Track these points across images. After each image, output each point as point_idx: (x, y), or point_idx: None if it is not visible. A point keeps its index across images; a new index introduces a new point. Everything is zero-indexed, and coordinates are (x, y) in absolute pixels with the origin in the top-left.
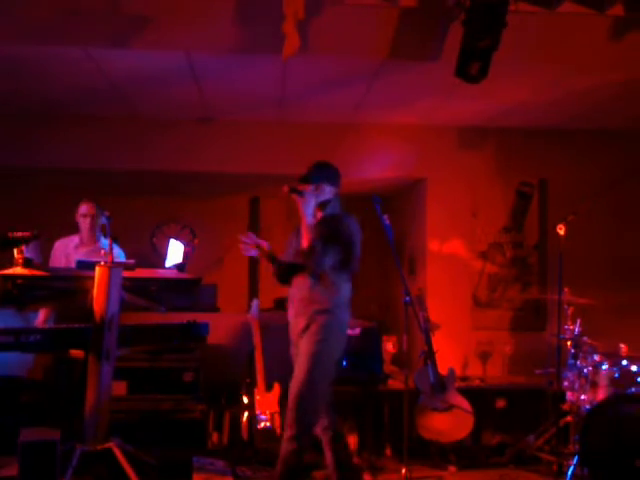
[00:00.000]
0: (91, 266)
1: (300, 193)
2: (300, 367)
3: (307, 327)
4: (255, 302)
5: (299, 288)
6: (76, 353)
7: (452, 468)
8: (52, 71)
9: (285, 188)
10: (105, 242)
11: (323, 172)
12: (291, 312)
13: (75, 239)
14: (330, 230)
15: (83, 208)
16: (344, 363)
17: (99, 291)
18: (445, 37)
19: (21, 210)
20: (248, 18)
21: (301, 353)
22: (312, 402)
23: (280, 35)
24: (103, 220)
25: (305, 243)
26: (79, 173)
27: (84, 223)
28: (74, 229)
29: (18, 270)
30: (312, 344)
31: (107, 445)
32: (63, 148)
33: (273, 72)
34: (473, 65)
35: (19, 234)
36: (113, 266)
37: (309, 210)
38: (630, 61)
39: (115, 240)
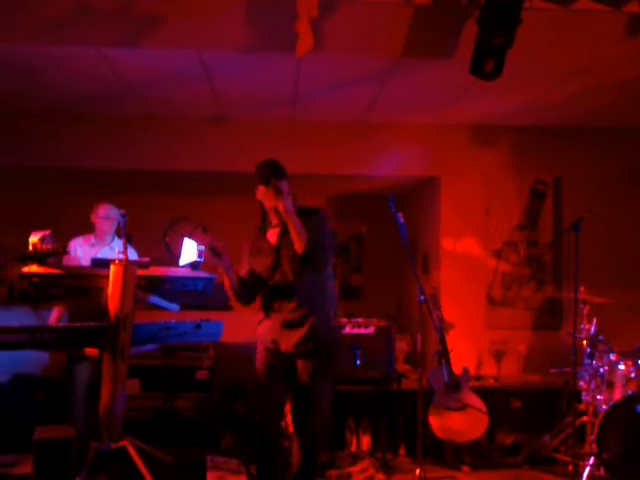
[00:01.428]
0: (106, 264)
1: (280, 191)
2: (319, 393)
3: (309, 341)
4: None
5: (287, 294)
6: (91, 351)
7: (466, 468)
8: (65, 70)
9: (262, 188)
10: (119, 242)
11: (279, 169)
12: (277, 319)
13: (90, 238)
14: (315, 226)
15: (103, 211)
16: (357, 362)
17: (114, 289)
18: (460, 34)
19: (33, 211)
20: (261, 16)
21: (313, 374)
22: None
23: (293, 33)
24: (119, 218)
25: (298, 244)
26: (92, 172)
27: (105, 225)
28: (90, 228)
29: (34, 268)
30: (324, 365)
31: (121, 443)
32: (76, 148)
33: (286, 71)
34: (488, 62)
35: (48, 248)
36: (128, 264)
37: (292, 207)
38: None
39: (129, 239)
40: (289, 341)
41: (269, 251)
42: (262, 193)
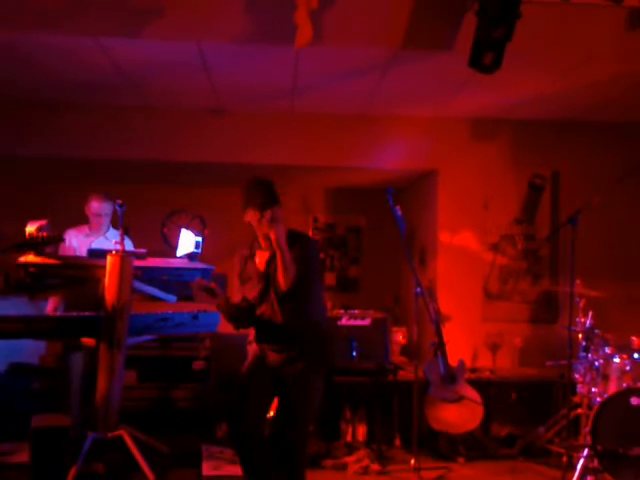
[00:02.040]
0: (103, 255)
1: (275, 220)
2: (301, 415)
3: (298, 360)
4: None
5: (274, 327)
6: (87, 341)
7: (461, 459)
8: (64, 60)
9: (253, 212)
10: (113, 232)
11: (275, 194)
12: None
13: (85, 229)
14: (306, 252)
15: (95, 207)
16: (353, 354)
17: (111, 280)
18: (459, 27)
19: (31, 200)
20: (260, 7)
21: (295, 395)
22: None
23: (292, 25)
24: (116, 208)
25: (284, 279)
26: (90, 163)
27: (97, 221)
28: (85, 219)
29: (30, 258)
30: (310, 388)
31: (118, 432)
32: (72, 137)
33: (285, 62)
34: (487, 55)
35: (43, 235)
36: (125, 255)
37: (284, 239)
38: None
39: (126, 230)
40: (277, 361)
41: (258, 278)
42: (253, 217)
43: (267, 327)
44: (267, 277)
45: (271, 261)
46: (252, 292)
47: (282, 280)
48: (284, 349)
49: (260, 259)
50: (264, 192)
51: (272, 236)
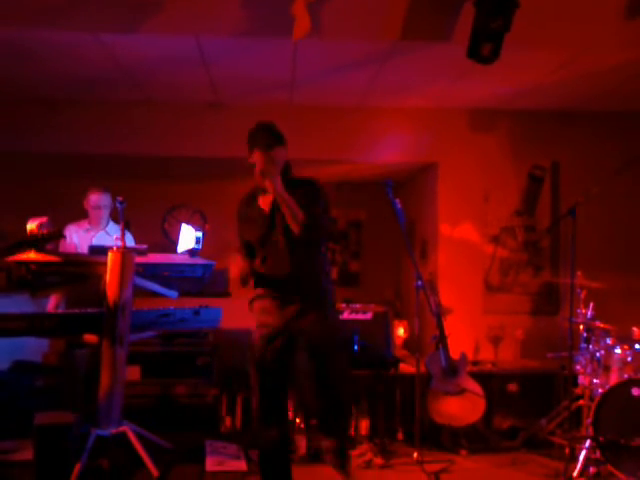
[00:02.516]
0: (104, 251)
1: (274, 162)
2: (336, 364)
3: (311, 312)
4: None
5: (280, 266)
6: (90, 338)
7: (463, 452)
8: (62, 55)
9: (259, 153)
10: (113, 227)
11: (280, 134)
12: (271, 294)
13: (84, 224)
14: (311, 195)
15: (94, 199)
16: (355, 348)
17: (112, 276)
18: (457, 18)
19: (31, 197)
20: (257, 0)
21: (323, 348)
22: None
23: (290, 17)
24: (117, 205)
25: (294, 225)
26: (90, 158)
27: (96, 214)
28: (85, 214)
29: (31, 255)
30: (334, 336)
31: (121, 429)
32: (72, 133)
33: (283, 55)
34: (485, 46)
35: (44, 233)
36: (126, 251)
37: (281, 187)
38: None
39: (127, 225)
40: (288, 319)
41: (261, 219)
42: (258, 159)
43: (272, 262)
44: (272, 219)
45: (276, 201)
46: (251, 234)
47: (293, 226)
48: (295, 299)
49: (264, 201)
50: (268, 133)
51: (269, 188)
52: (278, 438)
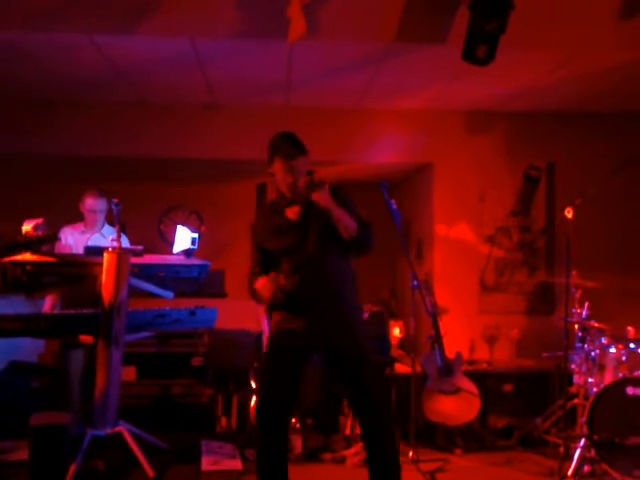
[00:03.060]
0: (99, 252)
1: (320, 188)
2: (376, 384)
3: (350, 331)
4: None
5: (313, 277)
6: (86, 339)
7: (458, 451)
8: (58, 58)
9: (285, 163)
10: (109, 228)
11: (300, 143)
12: (307, 315)
13: (80, 226)
14: (348, 202)
15: (90, 203)
16: None
17: (108, 277)
18: (452, 20)
19: (27, 198)
20: (252, 2)
21: (362, 366)
22: None
23: (285, 19)
24: (112, 207)
25: (348, 230)
26: (86, 160)
27: (92, 218)
28: (81, 216)
29: (27, 256)
30: (365, 350)
31: (117, 429)
32: (68, 135)
33: (279, 57)
34: (480, 48)
35: (39, 234)
36: (121, 252)
37: (328, 196)
38: (639, 41)
39: (122, 227)
40: (317, 331)
41: (290, 229)
42: (279, 168)
43: (303, 273)
44: (302, 229)
45: (306, 211)
46: (280, 243)
47: (345, 232)
48: (325, 311)
49: (292, 211)
50: (291, 143)
51: (318, 199)
52: (276, 439)
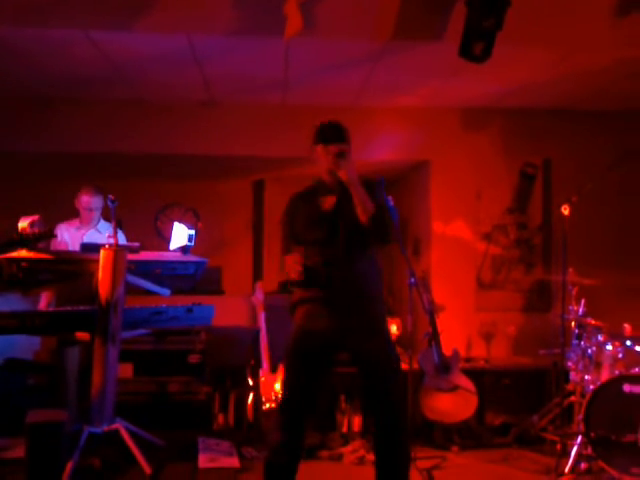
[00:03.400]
0: (96, 249)
1: (348, 157)
2: (394, 384)
3: (374, 328)
4: (259, 285)
5: (342, 271)
6: (82, 336)
7: (455, 448)
8: (53, 54)
9: (322, 147)
10: (104, 225)
11: (345, 131)
12: (325, 300)
13: (75, 222)
14: (377, 190)
15: (85, 201)
16: None
17: (104, 274)
18: (449, 17)
19: (23, 195)
20: None
21: (386, 367)
22: None
23: (282, 17)
24: (108, 204)
25: (363, 213)
26: (82, 157)
27: (87, 215)
28: (76, 213)
29: (23, 253)
30: (390, 351)
31: (114, 426)
32: (64, 132)
33: (275, 54)
34: (477, 45)
35: (35, 232)
36: (118, 249)
37: (354, 171)
38: (635, 39)
39: (119, 224)
40: (343, 328)
41: (323, 219)
42: (321, 153)
43: (331, 266)
44: (335, 218)
45: (340, 202)
46: (312, 233)
47: (362, 214)
48: (352, 308)
49: (327, 201)
50: (334, 130)
51: (342, 174)
52: (296, 437)
